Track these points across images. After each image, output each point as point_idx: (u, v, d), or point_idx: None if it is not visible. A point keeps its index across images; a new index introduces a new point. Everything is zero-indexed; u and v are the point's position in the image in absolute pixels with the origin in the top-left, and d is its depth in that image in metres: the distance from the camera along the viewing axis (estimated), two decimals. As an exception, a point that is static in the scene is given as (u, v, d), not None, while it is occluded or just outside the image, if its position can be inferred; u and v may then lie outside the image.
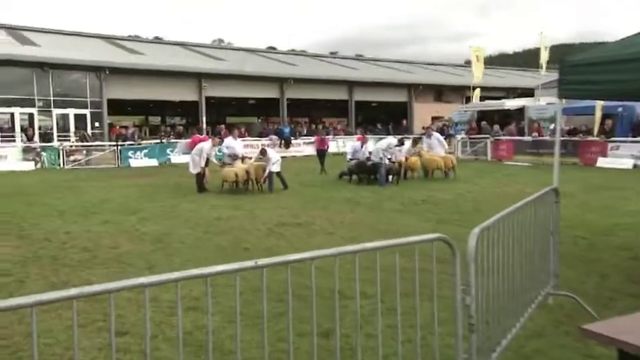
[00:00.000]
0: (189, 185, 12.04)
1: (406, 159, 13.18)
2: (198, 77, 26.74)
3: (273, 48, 55.74)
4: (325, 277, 2.55)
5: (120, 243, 6.47)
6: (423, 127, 26.18)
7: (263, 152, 11.54)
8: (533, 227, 3.41)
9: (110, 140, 21.87)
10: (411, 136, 24.13)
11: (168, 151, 20.97)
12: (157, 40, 43.52)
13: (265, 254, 5.81)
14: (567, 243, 5.83)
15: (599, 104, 17.30)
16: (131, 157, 19.95)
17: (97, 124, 24.06)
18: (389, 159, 12.56)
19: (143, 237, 6.81)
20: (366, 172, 12.70)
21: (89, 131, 23.11)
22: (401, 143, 12.84)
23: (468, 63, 35.14)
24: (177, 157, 20.50)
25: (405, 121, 28.40)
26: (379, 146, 12.44)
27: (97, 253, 5.95)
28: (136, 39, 39.14)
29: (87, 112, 23.98)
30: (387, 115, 36.42)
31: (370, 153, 12.90)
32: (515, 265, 3.10)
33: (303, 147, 24.46)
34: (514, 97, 29.86)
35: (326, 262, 2.35)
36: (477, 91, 26.85)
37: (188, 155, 13.30)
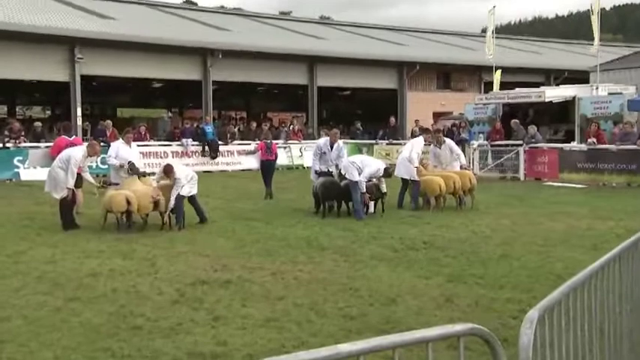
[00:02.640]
0: (49, 218, 11.72)
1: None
2: (70, 44, 26.05)
3: (193, 3, 55.80)
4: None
5: None
6: (420, 128, 26.42)
7: (167, 170, 11.12)
8: (618, 299, 3.20)
9: None
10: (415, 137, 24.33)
11: (16, 161, 20.34)
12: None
13: (170, 338, 5.46)
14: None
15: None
16: (-48, 171, 19.17)
17: None
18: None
19: (-41, 309, 6.38)
20: (336, 197, 12.50)
21: None
22: (387, 174, 12.76)
23: (486, 32, 36.07)
24: (30, 172, 19.93)
25: (392, 119, 28.37)
26: (356, 162, 12.27)
27: None
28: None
29: None
30: (365, 110, 36.81)
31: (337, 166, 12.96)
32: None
33: (239, 157, 24.16)
34: (558, 84, 30.83)
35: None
36: (498, 74, 27.53)
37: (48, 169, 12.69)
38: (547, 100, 22.47)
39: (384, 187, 12.52)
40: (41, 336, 5.54)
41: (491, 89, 27.21)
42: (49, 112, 40.28)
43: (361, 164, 12.23)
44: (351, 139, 26.60)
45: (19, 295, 6.84)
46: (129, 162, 11.57)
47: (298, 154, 25.55)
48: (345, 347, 1.92)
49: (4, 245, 9.54)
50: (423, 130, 14.47)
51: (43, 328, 5.76)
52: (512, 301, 6.48)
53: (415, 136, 24.71)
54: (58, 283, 7.30)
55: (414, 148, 13.38)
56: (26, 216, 12.43)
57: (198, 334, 5.56)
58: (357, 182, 11.96)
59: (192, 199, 11.37)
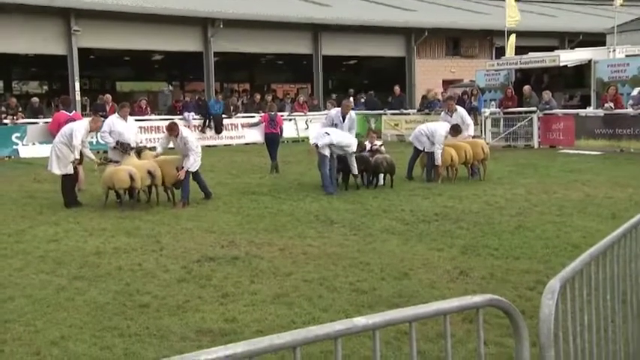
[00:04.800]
0: (51, 196, 11.75)
1: None
2: (66, 16, 25.89)
3: (192, -29, 54.92)
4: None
5: None
6: (426, 96, 26.18)
7: (172, 128, 11.08)
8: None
9: None
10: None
11: (14, 137, 20.35)
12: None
13: (177, 316, 5.49)
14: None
15: None
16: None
17: None
18: (369, 149, 12.65)
19: (-41, 289, 6.44)
20: (341, 170, 12.52)
21: None
22: (360, 149, 12.72)
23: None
24: (29, 149, 20.00)
25: (397, 88, 27.67)
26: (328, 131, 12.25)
27: None
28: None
29: None
30: (373, 79, 36.53)
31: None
32: (616, 341, 2.85)
33: (243, 130, 24.13)
34: (573, 48, 30.48)
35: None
36: (512, 39, 27.20)
37: (48, 145, 12.69)
38: (562, 64, 22.23)
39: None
40: (46, 315, 5.59)
41: (504, 54, 26.90)
42: (46, 87, 40.20)
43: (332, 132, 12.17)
44: (372, 109, 26.48)
45: (22, 274, 6.89)
46: (117, 141, 11.39)
47: (304, 126, 25.43)
48: (361, 321, 1.91)
49: (5, 224, 9.60)
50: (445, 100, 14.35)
51: (48, 307, 5.81)
52: (529, 272, 6.49)
53: (429, 105, 24.70)
54: (61, 262, 7.34)
55: (437, 131, 13.06)
56: (26, 194, 12.48)
57: (207, 312, 5.60)
58: (324, 155, 11.88)
59: (195, 175, 11.35)
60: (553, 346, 2.20)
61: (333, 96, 27.64)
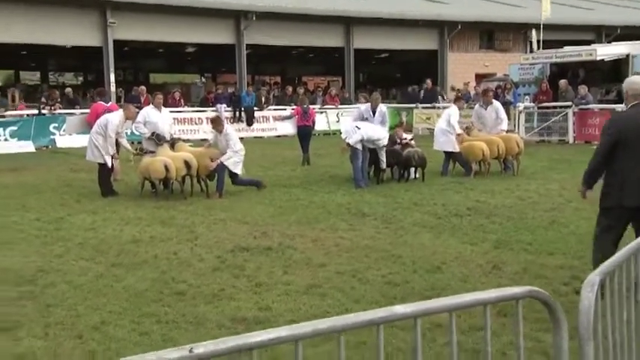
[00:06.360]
0: (88, 185, 11.94)
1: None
2: (101, 7, 26.26)
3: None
4: None
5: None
6: (455, 89, 26.03)
7: (216, 122, 11.20)
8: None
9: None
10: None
11: (52, 128, 20.74)
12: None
13: (212, 304, 5.58)
14: None
15: None
16: (-13, 139, 19.68)
17: None
18: (399, 142, 12.57)
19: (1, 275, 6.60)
20: (373, 163, 12.50)
21: None
22: (392, 142, 12.60)
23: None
24: (66, 139, 20.27)
25: (429, 81, 27.33)
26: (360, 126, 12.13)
27: None
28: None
29: None
30: (404, 73, 36.41)
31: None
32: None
33: (274, 122, 24.23)
34: (610, 42, 29.96)
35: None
36: (534, 33, 26.85)
37: (85, 136, 12.91)
38: (598, 58, 21.87)
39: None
40: (87, 301, 5.74)
41: (538, 48, 26.57)
42: (81, 79, 40.85)
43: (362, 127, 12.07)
44: (409, 102, 26.64)
45: (63, 260, 7.07)
46: (153, 132, 11.51)
47: (335, 119, 25.46)
48: (399, 309, 1.96)
49: (45, 212, 9.81)
50: (457, 99, 14.38)
51: (88, 293, 5.96)
52: (563, 268, 6.46)
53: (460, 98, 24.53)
54: (99, 250, 7.51)
55: (451, 116, 13.11)
56: (64, 183, 12.73)
57: (241, 300, 5.68)
58: (357, 149, 11.78)
59: (234, 178, 11.27)
60: (592, 340, 2.22)
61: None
